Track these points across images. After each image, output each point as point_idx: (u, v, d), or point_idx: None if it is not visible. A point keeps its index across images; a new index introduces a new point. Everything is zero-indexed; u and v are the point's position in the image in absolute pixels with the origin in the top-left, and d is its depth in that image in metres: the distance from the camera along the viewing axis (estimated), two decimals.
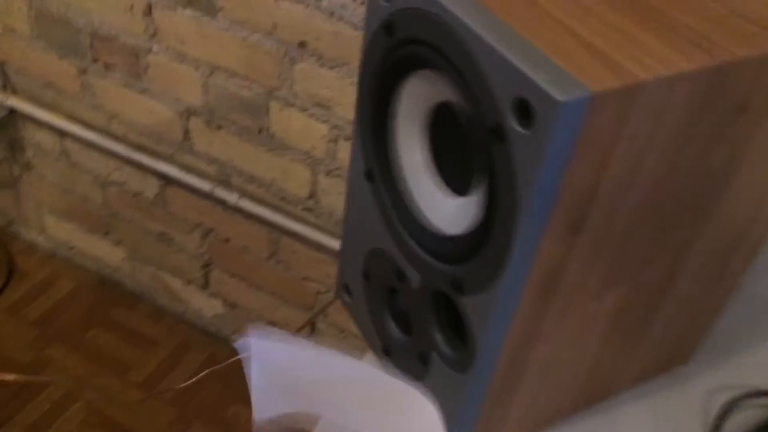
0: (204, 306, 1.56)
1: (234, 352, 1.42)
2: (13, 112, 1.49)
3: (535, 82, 0.32)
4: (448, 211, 0.44)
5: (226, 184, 1.31)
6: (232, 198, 1.30)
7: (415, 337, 0.50)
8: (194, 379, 1.42)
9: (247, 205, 1.29)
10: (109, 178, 1.47)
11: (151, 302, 1.63)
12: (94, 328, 1.56)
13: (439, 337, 0.48)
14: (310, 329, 1.43)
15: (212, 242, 1.42)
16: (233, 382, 1.48)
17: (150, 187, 1.42)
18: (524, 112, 0.34)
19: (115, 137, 1.38)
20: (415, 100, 0.43)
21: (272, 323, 1.47)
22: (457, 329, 0.46)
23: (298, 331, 1.38)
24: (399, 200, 0.47)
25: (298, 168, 1.21)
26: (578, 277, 0.42)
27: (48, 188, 1.59)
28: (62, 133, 1.45)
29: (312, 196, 1.22)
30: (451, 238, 0.43)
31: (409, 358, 0.52)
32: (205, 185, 1.31)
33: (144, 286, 1.62)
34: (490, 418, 0.48)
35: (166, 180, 1.38)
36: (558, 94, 0.32)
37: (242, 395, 1.47)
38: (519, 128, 0.34)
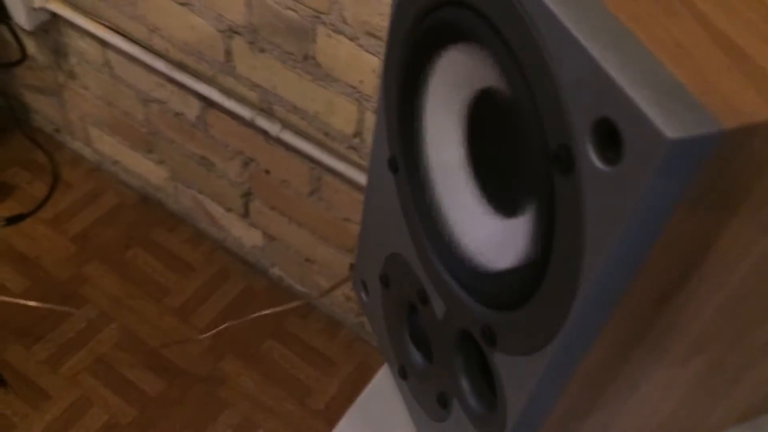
0: (244, 235, 1.49)
1: (272, 287, 1.34)
2: (55, 16, 1.41)
3: (631, 98, 0.20)
4: (485, 232, 0.32)
5: (268, 112, 1.21)
6: (273, 128, 1.20)
7: (435, 371, 0.40)
8: (239, 321, 1.37)
9: (288, 137, 1.19)
10: (150, 95, 1.39)
11: (192, 226, 1.57)
12: (133, 248, 1.52)
13: (464, 383, 0.37)
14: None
15: (253, 172, 1.34)
16: (268, 319, 1.43)
17: (191, 109, 1.34)
18: (608, 139, 0.22)
19: (157, 53, 1.29)
20: (452, 80, 0.31)
21: (310, 261, 1.39)
22: (490, 378, 0.36)
23: (318, 298, 1.30)
24: (425, 203, 0.36)
25: (343, 102, 1.09)
26: (659, 346, 0.30)
27: (92, 99, 1.53)
28: (104, 44, 1.37)
29: (357, 134, 1.11)
30: (487, 272, 0.32)
31: (426, 393, 0.42)
32: (246, 112, 1.21)
33: (185, 209, 1.57)
34: None
35: (207, 102, 1.29)
36: (667, 125, 0.19)
37: (276, 331, 1.43)
38: (597, 161, 0.22)
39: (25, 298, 1.29)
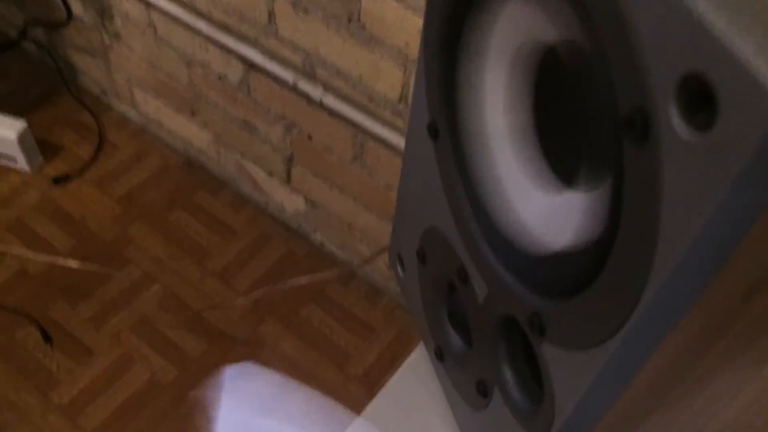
0: (285, 201, 1.48)
1: (313, 253, 1.32)
2: None
3: (731, 48, 0.16)
4: (540, 207, 0.28)
5: (311, 76, 1.17)
6: (316, 92, 1.16)
7: (475, 356, 0.37)
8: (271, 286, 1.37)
9: (331, 102, 1.15)
10: (193, 57, 1.37)
11: (235, 190, 1.56)
12: (177, 211, 1.52)
13: (507, 373, 0.34)
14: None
15: (295, 137, 1.31)
16: (309, 284, 1.42)
17: (234, 71, 1.31)
18: (698, 100, 0.17)
19: (199, 13, 1.26)
20: (507, 36, 0.27)
21: (352, 228, 1.37)
22: (537, 368, 0.32)
23: (359, 266, 1.28)
24: (470, 173, 0.32)
25: (389, 66, 1.04)
26: (738, 345, 0.26)
27: (137, 61, 1.52)
28: (148, 5, 1.35)
29: (402, 99, 1.07)
30: (538, 253, 0.28)
31: (465, 378, 0.38)
32: (288, 76, 1.18)
33: (228, 173, 1.55)
34: None
35: (250, 65, 1.26)
36: None
37: (316, 297, 1.41)
38: (681, 127, 0.18)
39: (71, 258, 1.30)
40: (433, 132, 0.34)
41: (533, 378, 0.33)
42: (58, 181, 1.52)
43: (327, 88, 1.16)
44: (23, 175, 1.52)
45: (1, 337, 1.28)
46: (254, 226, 1.52)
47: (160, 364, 1.29)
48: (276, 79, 1.23)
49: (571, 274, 0.25)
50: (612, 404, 0.27)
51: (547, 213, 0.27)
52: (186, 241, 1.47)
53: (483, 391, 0.36)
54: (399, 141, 1.10)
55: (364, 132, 1.16)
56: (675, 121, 0.18)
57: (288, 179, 1.42)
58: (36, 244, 1.41)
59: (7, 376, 1.23)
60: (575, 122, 0.25)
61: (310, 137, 1.28)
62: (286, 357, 1.33)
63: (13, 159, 1.49)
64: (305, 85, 1.17)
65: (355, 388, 1.30)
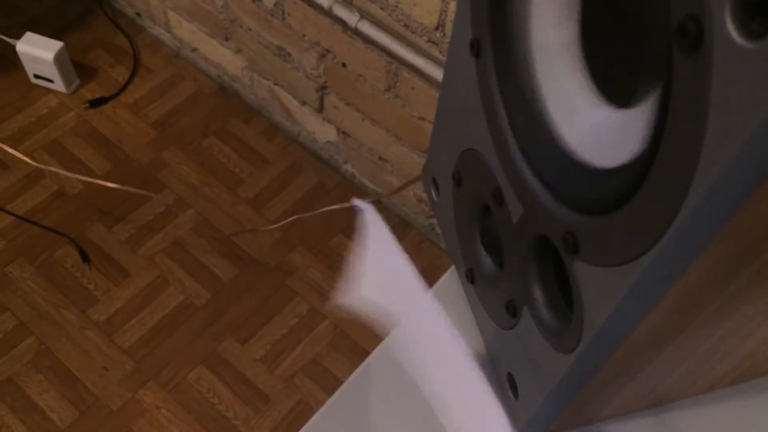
0: (318, 130, 1.48)
1: (344, 184, 1.32)
2: None
3: None
4: (586, 124, 0.28)
5: (346, 1, 1.15)
6: (351, 18, 1.14)
7: (506, 277, 0.37)
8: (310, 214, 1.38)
9: (366, 28, 1.13)
10: None
11: (267, 118, 1.57)
12: (210, 137, 1.53)
13: (538, 293, 0.34)
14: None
15: (329, 65, 1.30)
16: (338, 214, 1.43)
17: None
18: (754, 6, 0.17)
19: None
20: None
21: (383, 160, 1.37)
22: (566, 288, 0.33)
23: (388, 195, 1.27)
24: (513, 92, 0.32)
25: None
26: None
27: None
28: None
29: (439, 27, 1.05)
30: (579, 170, 0.28)
31: (495, 299, 0.39)
32: (324, 0, 1.16)
33: (261, 101, 1.55)
34: (585, 406, 0.36)
35: None
36: None
37: (346, 228, 1.43)
38: (736, 35, 0.18)
39: (107, 180, 1.33)
40: (476, 49, 0.33)
41: (563, 299, 0.33)
42: (94, 103, 1.53)
43: (363, 14, 1.14)
44: (60, 96, 1.54)
45: (42, 255, 1.32)
46: (286, 156, 1.53)
47: (193, 287, 1.32)
48: (311, 3, 1.21)
49: (610, 191, 0.25)
50: (640, 322, 0.27)
51: (590, 130, 0.27)
52: (219, 167, 1.49)
53: (512, 311, 0.37)
54: (434, 71, 1.09)
55: (399, 61, 1.15)
56: (729, 29, 0.18)
57: (321, 108, 1.42)
58: (73, 166, 1.44)
59: (48, 293, 1.28)
60: (624, 35, 0.24)
61: (344, 65, 1.27)
62: (315, 285, 1.35)
63: (50, 80, 1.51)
64: (341, 11, 1.15)
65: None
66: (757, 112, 0.18)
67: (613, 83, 0.26)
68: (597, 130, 0.26)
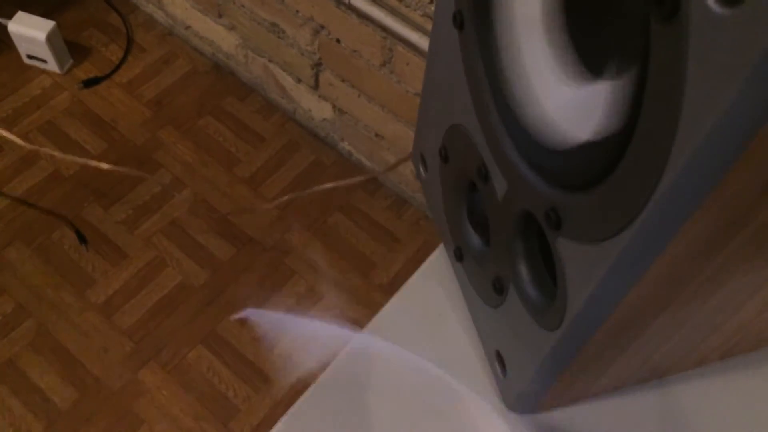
0: (314, 108, 1.46)
1: (341, 161, 1.30)
2: None
3: None
4: (564, 98, 0.28)
5: None
6: None
7: (492, 254, 0.37)
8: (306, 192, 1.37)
9: (360, 3, 1.12)
10: None
11: (263, 96, 1.55)
12: (205, 116, 1.52)
13: (523, 269, 0.34)
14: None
15: (323, 41, 1.29)
16: (336, 192, 1.42)
17: None
18: None
19: None
20: None
21: (380, 137, 1.36)
22: (552, 266, 0.32)
23: (384, 172, 1.26)
24: (495, 64, 0.31)
25: None
26: (755, 241, 0.26)
27: None
28: None
29: (434, 0, 1.03)
30: (560, 145, 0.27)
31: (482, 277, 0.39)
32: None
33: (256, 78, 1.54)
34: (573, 383, 0.36)
35: None
36: None
37: (343, 206, 1.42)
38: (711, 2, 0.17)
39: (103, 161, 1.32)
40: (459, 21, 0.33)
41: (548, 275, 0.33)
42: (88, 83, 1.52)
43: None
44: (54, 76, 1.52)
45: (39, 237, 1.32)
46: (282, 134, 1.52)
47: (191, 267, 1.32)
48: None
49: (590, 166, 0.25)
50: (623, 299, 0.27)
51: (571, 104, 0.27)
52: (215, 146, 1.48)
53: (499, 288, 0.36)
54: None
55: (394, 36, 1.13)
56: None
57: (316, 85, 1.41)
58: (68, 147, 1.44)
59: (46, 275, 1.28)
60: (604, 6, 0.24)
61: (338, 41, 1.26)
62: (312, 264, 1.35)
63: (43, 60, 1.50)
64: None
65: (379, 297, 1.33)
66: (734, 80, 0.17)
67: (594, 57, 0.25)
68: (576, 104, 0.25)
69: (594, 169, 0.24)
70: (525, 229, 0.32)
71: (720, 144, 0.19)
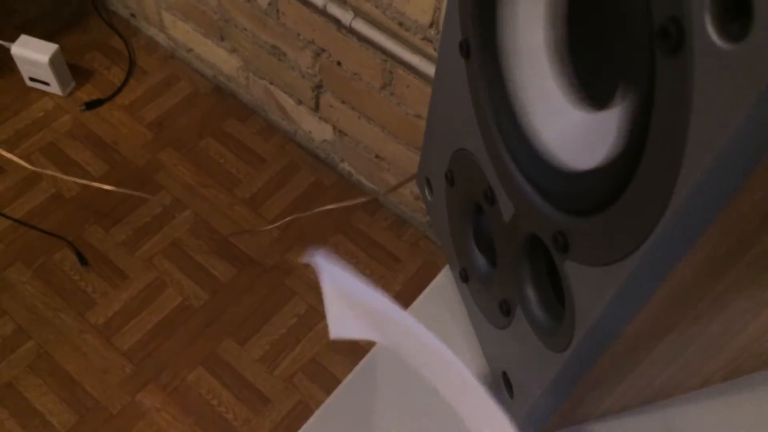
0: (314, 129, 1.48)
1: (341, 182, 1.31)
2: None
3: None
4: (570, 125, 0.28)
5: (340, 0, 1.15)
6: (346, 17, 1.14)
7: (499, 276, 0.38)
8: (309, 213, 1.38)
9: (361, 26, 1.13)
10: None
11: (263, 118, 1.57)
12: (206, 138, 1.53)
13: (530, 292, 0.34)
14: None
15: (324, 63, 1.30)
16: (336, 213, 1.43)
17: None
18: (733, 9, 0.17)
19: None
20: None
21: (379, 158, 1.37)
22: (559, 287, 0.33)
23: (385, 194, 1.27)
24: (501, 92, 0.32)
25: None
26: (757, 264, 0.26)
27: None
28: None
29: (433, 24, 1.05)
30: (566, 172, 0.28)
31: (488, 298, 0.39)
32: None
33: (257, 100, 1.55)
34: (579, 404, 0.36)
35: None
36: None
37: (344, 226, 1.43)
38: (715, 37, 0.18)
39: (104, 182, 1.33)
40: (465, 50, 0.33)
41: (555, 296, 0.34)
42: (90, 105, 1.53)
43: (357, 12, 1.14)
44: (56, 98, 1.54)
45: (40, 258, 1.32)
46: (283, 155, 1.53)
47: (191, 288, 1.32)
48: (305, 2, 1.21)
49: (597, 191, 0.25)
50: (630, 320, 0.27)
51: (577, 132, 0.27)
52: (216, 168, 1.49)
53: (506, 310, 0.37)
54: (429, 68, 1.09)
55: (394, 59, 1.15)
56: (709, 31, 0.18)
57: (316, 107, 1.42)
58: (70, 168, 1.44)
59: (46, 297, 1.28)
60: (608, 37, 0.24)
61: (339, 63, 1.27)
62: (313, 284, 1.35)
63: (45, 83, 1.51)
64: (335, 9, 1.15)
65: None
66: (738, 112, 0.18)
67: (599, 86, 0.26)
68: (581, 132, 0.26)
69: (601, 194, 0.25)
70: (532, 251, 0.33)
71: (725, 172, 0.19)
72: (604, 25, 0.24)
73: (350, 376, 0.47)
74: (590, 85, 0.27)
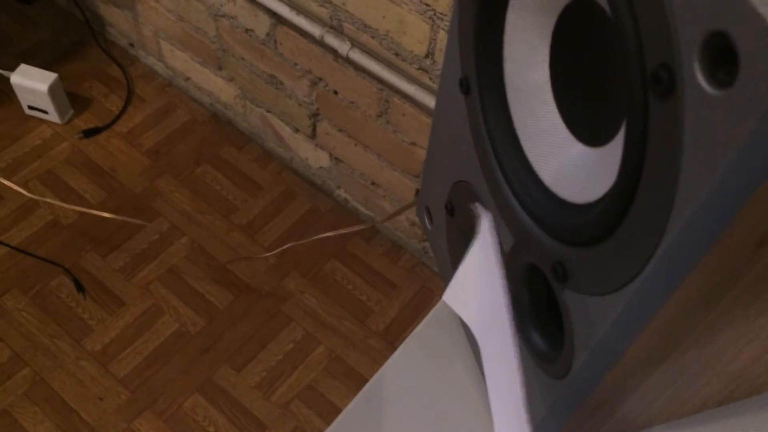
0: (310, 156, 1.49)
1: (337, 209, 1.32)
2: None
3: (753, 7, 0.17)
4: (566, 161, 0.30)
5: (337, 30, 1.17)
6: (343, 47, 1.16)
7: None
8: (311, 239, 1.39)
9: (357, 56, 1.16)
10: (221, 10, 1.37)
11: (260, 145, 1.58)
12: (203, 165, 1.55)
13: (530, 320, 0.35)
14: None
15: (321, 92, 1.32)
16: (332, 240, 1.44)
17: (261, 25, 1.31)
18: (721, 57, 0.18)
19: None
20: None
21: (375, 185, 1.38)
22: (557, 315, 0.34)
23: (381, 222, 1.29)
24: (499, 128, 0.33)
25: (416, 20, 1.04)
26: (751, 293, 0.28)
27: (164, 13, 1.53)
28: None
29: (429, 55, 1.07)
30: (564, 204, 0.29)
31: None
32: (315, 30, 1.18)
33: (254, 128, 1.57)
34: (577, 429, 0.37)
35: (277, 19, 1.26)
36: None
37: (340, 253, 1.44)
38: (704, 83, 0.19)
39: (102, 209, 1.34)
40: (465, 87, 0.35)
41: (554, 325, 0.35)
42: (88, 133, 1.54)
43: (354, 42, 1.16)
44: (54, 126, 1.55)
45: (37, 285, 1.33)
46: (279, 182, 1.54)
47: (188, 315, 1.33)
48: (303, 32, 1.23)
49: (595, 224, 0.26)
50: (628, 347, 0.28)
51: (574, 167, 0.29)
52: (213, 195, 1.50)
53: None
54: (424, 97, 1.11)
55: (390, 88, 1.17)
56: (698, 78, 0.19)
57: (313, 135, 1.44)
58: (67, 196, 1.45)
59: (42, 323, 1.28)
60: (604, 79, 0.26)
61: (335, 92, 1.29)
62: (309, 311, 1.36)
63: (44, 111, 1.52)
64: (332, 40, 1.18)
65: (375, 343, 1.33)
66: (726, 154, 0.19)
67: (588, 124, 0.27)
68: (571, 167, 0.27)
69: (599, 227, 0.26)
70: (531, 280, 0.34)
71: (717, 206, 0.21)
72: (597, 68, 0.26)
73: (351, 404, 0.47)
74: (584, 123, 0.28)
